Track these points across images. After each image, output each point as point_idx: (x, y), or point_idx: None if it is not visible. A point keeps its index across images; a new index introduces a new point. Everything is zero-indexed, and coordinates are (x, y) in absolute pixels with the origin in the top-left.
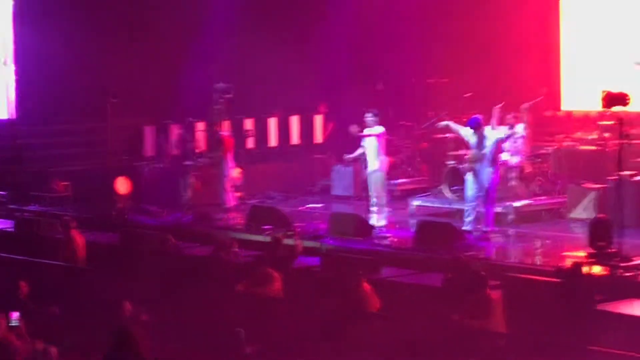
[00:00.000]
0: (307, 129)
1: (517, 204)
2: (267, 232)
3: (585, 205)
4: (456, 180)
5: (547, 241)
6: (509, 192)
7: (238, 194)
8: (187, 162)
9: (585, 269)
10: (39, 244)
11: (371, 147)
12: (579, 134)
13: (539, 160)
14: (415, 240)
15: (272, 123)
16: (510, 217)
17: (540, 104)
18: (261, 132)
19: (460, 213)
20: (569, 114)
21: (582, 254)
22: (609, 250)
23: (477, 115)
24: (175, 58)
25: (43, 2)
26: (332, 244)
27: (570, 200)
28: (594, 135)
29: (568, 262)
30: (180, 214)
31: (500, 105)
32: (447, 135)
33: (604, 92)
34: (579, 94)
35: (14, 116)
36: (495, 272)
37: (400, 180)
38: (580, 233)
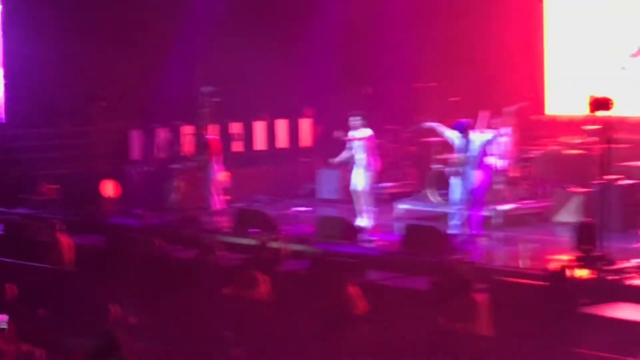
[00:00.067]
0: (294, 133)
1: (503, 207)
2: (253, 236)
3: (570, 209)
4: (442, 183)
5: (533, 245)
6: (495, 195)
7: (226, 197)
8: (174, 166)
9: (570, 273)
10: (26, 246)
11: (359, 150)
12: (563, 138)
13: (525, 164)
14: (401, 244)
15: (259, 126)
16: (496, 220)
17: (525, 108)
18: (248, 136)
19: (446, 217)
20: (553, 118)
21: (567, 257)
22: (594, 254)
23: (463, 120)
24: (162, 61)
25: (31, 7)
26: (318, 247)
27: (556, 204)
28: (579, 140)
29: (553, 266)
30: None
31: (486, 110)
32: (434, 138)
33: (591, 97)
34: (563, 99)
35: (2, 119)
36: (481, 276)
37: (387, 184)
38: (566, 237)
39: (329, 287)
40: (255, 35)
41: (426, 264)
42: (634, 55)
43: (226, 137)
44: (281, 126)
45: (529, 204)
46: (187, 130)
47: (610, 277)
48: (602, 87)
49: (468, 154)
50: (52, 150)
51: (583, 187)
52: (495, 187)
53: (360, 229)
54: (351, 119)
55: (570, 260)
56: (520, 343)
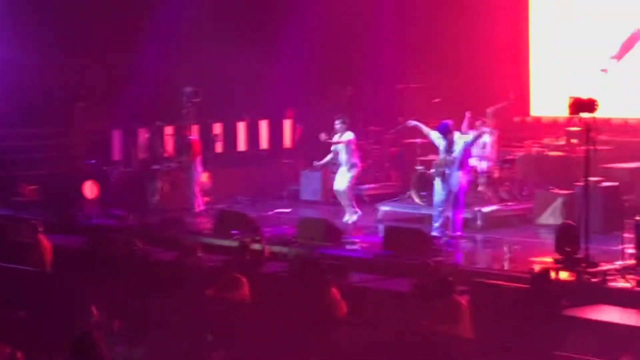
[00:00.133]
0: (276, 134)
1: (485, 209)
2: (234, 237)
3: (552, 211)
4: (424, 185)
5: (515, 247)
6: (477, 197)
7: (206, 199)
8: (155, 167)
9: (552, 275)
10: (6, 248)
11: (342, 153)
12: (547, 140)
13: (507, 165)
14: (383, 246)
15: (241, 127)
16: (479, 222)
17: (509, 109)
18: (230, 137)
19: (428, 218)
20: (537, 120)
21: (549, 259)
22: (576, 256)
23: (446, 121)
24: (143, 62)
25: (9, 7)
26: (300, 249)
27: (538, 206)
28: (562, 141)
29: (535, 268)
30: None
31: (469, 112)
32: (418, 140)
33: (570, 98)
34: (547, 100)
35: None
36: (463, 278)
37: (369, 186)
38: (548, 239)
39: (311, 290)
40: (236, 36)
41: (408, 266)
42: (614, 57)
43: (207, 138)
44: (263, 127)
45: (511, 205)
46: (169, 130)
47: (592, 279)
48: (587, 88)
49: (451, 155)
50: (32, 151)
51: (565, 189)
52: (477, 188)
53: (344, 229)
54: (336, 122)
55: (552, 263)
56: (501, 345)
